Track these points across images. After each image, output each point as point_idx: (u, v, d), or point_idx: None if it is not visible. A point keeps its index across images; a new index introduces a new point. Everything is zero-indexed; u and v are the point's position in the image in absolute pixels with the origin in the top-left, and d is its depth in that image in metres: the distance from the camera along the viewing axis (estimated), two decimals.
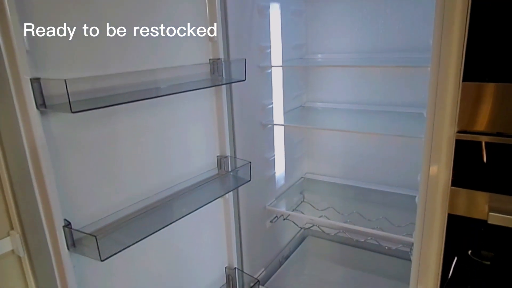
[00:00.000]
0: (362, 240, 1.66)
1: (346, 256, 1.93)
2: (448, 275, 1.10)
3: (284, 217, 1.77)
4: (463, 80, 0.93)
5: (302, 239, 2.04)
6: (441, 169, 1.02)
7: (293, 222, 1.81)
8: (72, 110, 0.73)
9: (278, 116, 1.71)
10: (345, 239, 1.89)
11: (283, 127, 1.75)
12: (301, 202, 1.95)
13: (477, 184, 0.98)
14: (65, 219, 0.84)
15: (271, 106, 1.65)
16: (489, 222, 0.96)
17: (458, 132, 0.97)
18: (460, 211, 1.02)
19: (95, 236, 0.80)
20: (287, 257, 1.88)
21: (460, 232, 1.06)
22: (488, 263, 1.04)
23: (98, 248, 0.80)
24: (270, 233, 1.75)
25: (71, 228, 0.84)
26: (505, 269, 1.04)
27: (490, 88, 0.91)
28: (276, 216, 1.74)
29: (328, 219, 1.67)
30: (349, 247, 1.93)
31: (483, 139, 0.94)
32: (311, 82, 1.92)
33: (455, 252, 1.08)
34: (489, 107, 0.92)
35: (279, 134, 1.75)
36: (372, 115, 1.71)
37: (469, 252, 1.06)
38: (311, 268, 1.97)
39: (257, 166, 1.54)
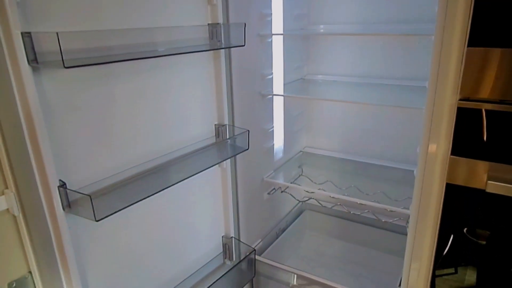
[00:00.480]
0: (359, 213, 1.66)
1: (343, 230, 1.95)
2: (443, 252, 1.10)
3: (282, 189, 1.77)
4: (468, 46, 0.90)
5: (300, 212, 2.05)
6: (442, 137, 1.00)
7: (290, 194, 1.82)
8: (65, 65, 0.71)
9: (278, 87, 1.69)
10: (342, 213, 1.90)
11: (282, 98, 1.73)
12: (299, 175, 1.95)
13: (477, 153, 0.97)
14: (60, 180, 0.83)
15: (271, 76, 1.62)
16: (487, 190, 0.95)
17: (461, 100, 0.95)
18: (459, 181, 1.01)
19: (90, 196, 0.79)
20: (284, 230, 1.89)
21: (458, 203, 1.05)
22: (484, 242, 1.05)
23: (93, 208, 0.80)
24: (267, 205, 1.75)
25: (66, 188, 0.83)
26: (500, 248, 1.04)
27: (495, 54, 0.88)
28: (274, 188, 1.74)
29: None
30: (346, 221, 1.94)
31: (486, 107, 0.92)
32: (313, 54, 1.88)
33: (451, 226, 1.08)
34: (494, 74, 0.89)
35: (278, 105, 1.72)
36: (374, 88, 1.69)
37: (465, 230, 1.06)
38: (307, 241, 1.99)
39: (256, 137, 1.53)
